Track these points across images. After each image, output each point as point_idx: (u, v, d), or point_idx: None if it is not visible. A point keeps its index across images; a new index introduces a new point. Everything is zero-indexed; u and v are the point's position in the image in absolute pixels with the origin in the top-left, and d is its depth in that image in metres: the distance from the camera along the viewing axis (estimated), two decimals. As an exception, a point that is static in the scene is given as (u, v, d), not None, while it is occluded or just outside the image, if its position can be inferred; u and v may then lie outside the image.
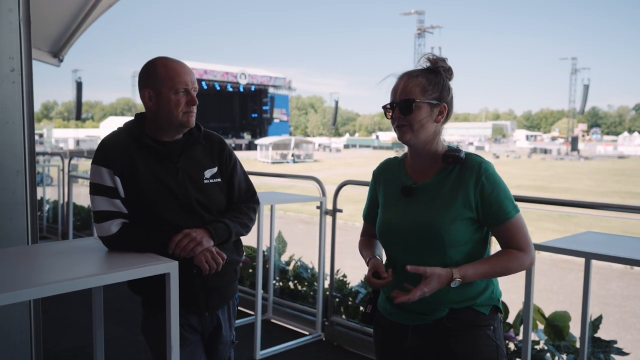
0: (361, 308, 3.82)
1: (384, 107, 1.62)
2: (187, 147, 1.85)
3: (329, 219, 3.85)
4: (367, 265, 1.68)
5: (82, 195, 9.95)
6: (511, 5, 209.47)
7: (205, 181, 1.86)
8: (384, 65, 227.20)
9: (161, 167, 1.79)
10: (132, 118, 1.90)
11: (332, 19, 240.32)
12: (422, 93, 1.56)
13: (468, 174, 1.54)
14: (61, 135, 63.20)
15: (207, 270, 1.72)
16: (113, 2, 6.12)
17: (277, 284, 4.49)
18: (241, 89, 55.37)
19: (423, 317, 1.58)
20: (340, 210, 3.77)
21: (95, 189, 1.75)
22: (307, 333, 3.90)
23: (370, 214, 1.80)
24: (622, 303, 9.98)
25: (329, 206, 3.83)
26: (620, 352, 2.79)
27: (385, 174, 1.74)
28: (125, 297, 2.59)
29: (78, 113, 38.31)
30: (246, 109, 59.13)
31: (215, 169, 1.89)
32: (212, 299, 1.88)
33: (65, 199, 6.76)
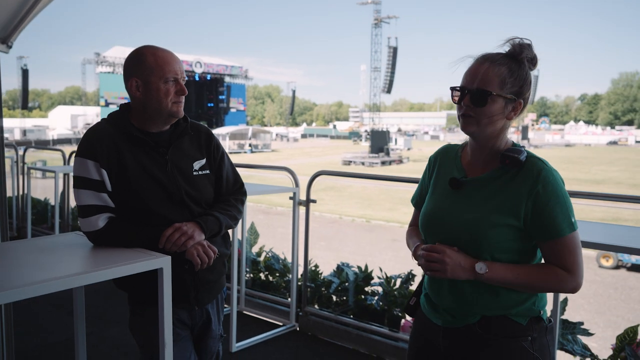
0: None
1: (452, 89, 1.44)
2: (174, 138, 1.80)
3: (302, 210, 3.85)
4: (414, 254, 1.56)
5: (38, 188, 9.60)
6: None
7: (195, 173, 1.82)
8: (341, 55, 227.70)
9: (149, 159, 1.74)
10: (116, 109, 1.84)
11: (288, 8, 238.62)
12: (500, 85, 1.38)
13: (524, 179, 1.39)
14: (6, 125, 60.28)
15: (199, 265, 1.70)
16: None
17: (247, 275, 4.47)
18: (197, 78, 54.24)
19: (454, 320, 1.48)
20: (314, 201, 3.78)
21: (81, 183, 1.68)
22: (280, 324, 3.90)
23: (420, 200, 1.66)
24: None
25: (302, 196, 3.82)
26: (586, 333, 2.92)
27: (441, 160, 1.60)
28: (90, 293, 2.52)
29: (24, 102, 36.74)
30: (202, 98, 58.04)
31: (203, 161, 1.86)
32: (202, 294, 1.85)
33: (21, 192, 6.50)
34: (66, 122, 64.81)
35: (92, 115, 58.85)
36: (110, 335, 3.55)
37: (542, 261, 1.47)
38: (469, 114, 1.41)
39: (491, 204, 1.41)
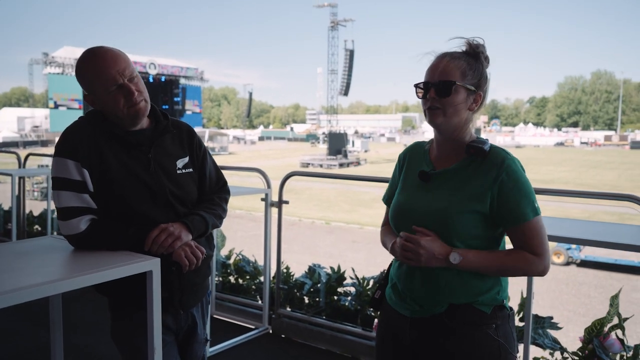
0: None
1: (417, 86, 1.53)
2: (156, 136, 1.75)
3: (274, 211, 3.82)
4: (391, 252, 1.60)
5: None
6: (417, 1, 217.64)
7: (178, 171, 1.77)
8: (297, 57, 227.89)
9: (131, 158, 1.68)
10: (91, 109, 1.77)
11: (243, 10, 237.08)
12: (462, 77, 1.48)
13: (489, 168, 1.47)
14: (-54, 128, 57.45)
15: (187, 266, 1.65)
16: None
17: (217, 278, 4.40)
18: (150, 80, 53.01)
19: (422, 309, 1.54)
20: (287, 202, 3.76)
21: (61, 184, 1.61)
22: (253, 327, 3.86)
23: (391, 199, 1.71)
24: (524, 281, 10.84)
25: (274, 198, 3.80)
26: (555, 327, 3.01)
27: (410, 157, 1.67)
28: (85, 299, 2.42)
29: (-33, 103, 34.98)
30: (156, 100, 56.74)
31: (186, 159, 1.81)
32: (188, 297, 1.80)
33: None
34: (12, 124, 62.18)
35: (41, 117, 56.62)
36: (86, 343, 3.43)
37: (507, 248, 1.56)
38: (435, 105, 1.49)
39: (459, 193, 1.49)
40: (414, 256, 1.46)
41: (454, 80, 1.47)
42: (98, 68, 1.62)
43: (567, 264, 12.61)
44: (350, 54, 41.97)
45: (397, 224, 1.61)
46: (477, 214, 1.47)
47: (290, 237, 14.11)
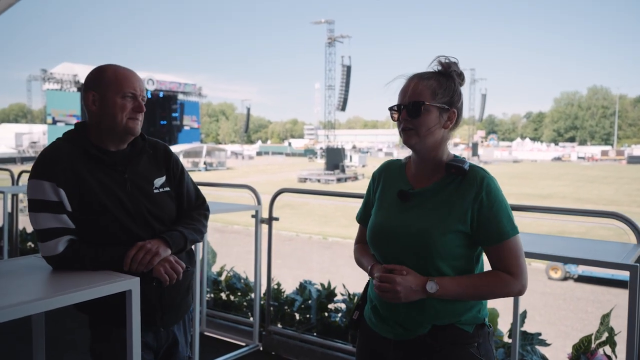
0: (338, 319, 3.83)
1: (391, 109, 1.55)
2: (133, 156, 1.77)
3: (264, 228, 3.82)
4: (370, 274, 1.61)
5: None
6: (414, 18, 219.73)
7: (155, 191, 1.79)
8: (295, 73, 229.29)
9: (108, 178, 1.70)
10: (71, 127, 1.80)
11: (242, 26, 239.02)
12: (432, 96, 1.49)
13: (468, 187, 1.47)
14: (-56, 144, 57.45)
15: (168, 282, 1.66)
16: (5, 8, 5.73)
17: (208, 295, 4.39)
18: (149, 95, 53.28)
19: (406, 332, 1.53)
20: (277, 219, 3.76)
21: (37, 206, 1.62)
22: (243, 344, 3.84)
23: (365, 217, 1.71)
24: (521, 297, 10.79)
25: (265, 214, 3.81)
26: (543, 343, 3.01)
27: (385, 176, 1.67)
28: (61, 316, 2.42)
29: (-35, 119, 35.04)
30: (154, 115, 57.00)
31: (163, 178, 1.83)
32: (168, 315, 1.81)
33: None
34: (10, 140, 62.28)
35: (39, 133, 56.71)
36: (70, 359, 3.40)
37: (484, 269, 1.57)
38: (408, 127, 1.50)
39: (440, 212, 1.49)
40: (392, 295, 1.45)
41: (423, 101, 1.48)
42: (123, 74, 1.71)
43: (565, 279, 12.57)
44: (347, 70, 42.28)
45: (376, 244, 1.60)
46: (458, 234, 1.47)
47: (287, 252, 14.08)
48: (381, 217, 1.60)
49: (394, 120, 1.55)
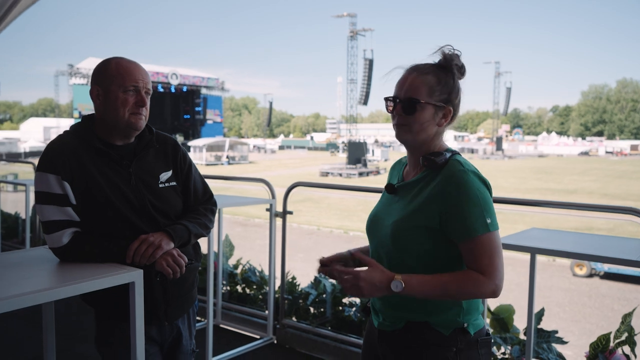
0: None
1: (386, 99, 1.51)
2: (139, 150, 1.77)
3: (278, 221, 3.83)
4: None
5: (8, 202, 9.36)
6: (438, 11, 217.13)
7: (161, 185, 1.79)
8: (317, 67, 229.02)
9: (113, 172, 1.70)
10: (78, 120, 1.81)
11: (264, 20, 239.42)
12: (429, 94, 1.45)
13: (440, 181, 1.42)
14: (-24, 138, 59.08)
15: (171, 275, 1.66)
16: (31, 2, 5.81)
17: (224, 288, 4.42)
18: (172, 90, 53.81)
19: (385, 323, 1.52)
20: (291, 212, 3.76)
21: (43, 198, 1.63)
22: (258, 337, 3.86)
23: None
24: (546, 294, 10.63)
25: (279, 208, 3.81)
26: (560, 341, 2.95)
27: (392, 170, 1.69)
28: (73, 308, 2.46)
29: (-5, 114, 35.90)
30: (178, 109, 57.59)
31: (170, 173, 1.83)
32: (172, 309, 1.81)
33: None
34: (38, 134, 63.70)
35: (66, 127, 57.32)
36: (80, 351, 3.47)
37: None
38: (401, 122, 1.47)
39: (411, 206, 1.46)
40: (355, 290, 1.39)
41: (419, 99, 1.44)
42: (126, 67, 1.69)
43: (590, 275, 12.33)
44: (370, 64, 41.99)
45: (368, 236, 1.62)
46: (424, 229, 1.42)
47: (308, 246, 14.12)
48: (374, 210, 1.62)
49: (388, 112, 1.52)
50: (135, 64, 1.73)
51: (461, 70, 1.50)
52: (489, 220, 1.38)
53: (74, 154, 1.67)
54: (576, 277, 12.28)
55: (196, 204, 1.90)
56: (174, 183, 1.83)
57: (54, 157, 1.65)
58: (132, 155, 1.76)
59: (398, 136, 1.51)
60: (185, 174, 1.88)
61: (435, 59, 1.51)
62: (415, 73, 1.48)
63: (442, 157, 1.45)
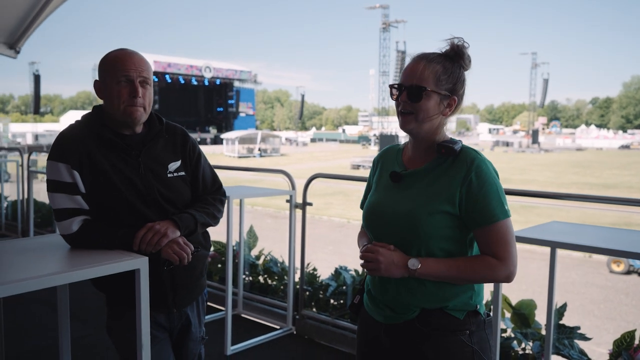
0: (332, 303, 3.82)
1: (391, 87, 1.52)
2: (148, 140, 1.79)
3: (298, 212, 3.83)
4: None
5: (42, 192, 9.66)
6: (473, 2, 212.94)
7: (169, 175, 1.80)
8: (349, 59, 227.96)
9: (122, 161, 1.73)
10: (89, 111, 1.84)
11: (296, 13, 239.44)
12: (435, 82, 1.46)
13: (458, 168, 1.45)
14: (18, 130, 61.22)
15: (177, 262, 1.67)
16: None
17: (246, 278, 4.46)
18: (206, 83, 54.57)
19: (396, 315, 1.52)
20: (310, 204, 3.75)
21: (53, 186, 1.67)
22: (277, 327, 3.88)
23: (365, 202, 1.69)
24: (581, 290, 10.35)
25: (299, 199, 3.81)
26: (584, 338, 2.87)
27: (383, 160, 1.67)
28: (90, 295, 2.52)
29: (36, 107, 37.01)
30: (211, 102, 58.37)
31: (178, 162, 1.84)
32: (181, 297, 1.83)
33: (25, 196, 6.54)
34: (77, 127, 65.43)
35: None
36: (92, 335, 3.54)
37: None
38: (407, 110, 1.48)
39: (428, 193, 1.47)
40: (373, 265, 1.44)
41: (425, 87, 1.45)
42: (120, 58, 1.70)
43: (628, 272, 11.94)
44: (402, 56, 41.56)
45: (368, 225, 1.61)
46: (446, 215, 1.45)
47: (338, 239, 14.13)
48: (374, 199, 1.60)
49: (392, 99, 1.52)
50: (129, 54, 1.71)
51: (467, 62, 1.51)
52: (505, 208, 1.44)
53: (84, 143, 1.69)
54: (613, 274, 11.91)
55: (205, 194, 1.91)
56: (183, 173, 1.84)
57: (64, 147, 1.68)
58: (141, 145, 1.78)
59: (402, 125, 1.50)
60: (194, 164, 1.89)
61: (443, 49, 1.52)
62: (424, 61, 1.48)
63: (459, 145, 1.49)
